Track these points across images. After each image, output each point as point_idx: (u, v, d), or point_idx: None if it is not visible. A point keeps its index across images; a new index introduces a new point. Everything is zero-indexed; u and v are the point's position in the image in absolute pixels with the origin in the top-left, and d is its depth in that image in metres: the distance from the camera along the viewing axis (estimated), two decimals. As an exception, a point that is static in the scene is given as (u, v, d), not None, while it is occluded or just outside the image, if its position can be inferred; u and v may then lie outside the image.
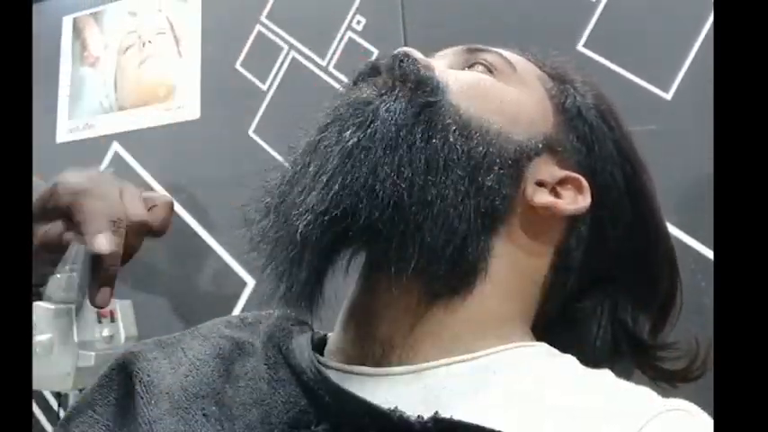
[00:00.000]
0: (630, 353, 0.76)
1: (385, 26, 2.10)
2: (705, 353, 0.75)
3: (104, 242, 0.63)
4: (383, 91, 0.70)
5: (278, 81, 2.24)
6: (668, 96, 1.73)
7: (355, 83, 0.74)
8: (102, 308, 0.66)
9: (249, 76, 2.28)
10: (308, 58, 2.21)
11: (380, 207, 0.64)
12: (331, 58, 2.17)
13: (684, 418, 0.59)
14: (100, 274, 0.64)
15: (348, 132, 0.67)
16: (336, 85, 2.08)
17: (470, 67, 0.77)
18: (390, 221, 0.65)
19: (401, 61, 0.73)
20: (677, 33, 1.74)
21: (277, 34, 2.27)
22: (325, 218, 0.64)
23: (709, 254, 1.45)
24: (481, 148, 0.68)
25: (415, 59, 0.74)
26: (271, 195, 0.71)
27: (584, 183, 0.73)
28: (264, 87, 2.25)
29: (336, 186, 0.64)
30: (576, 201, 0.72)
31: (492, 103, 0.72)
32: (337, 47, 2.17)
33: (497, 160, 0.69)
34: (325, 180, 0.65)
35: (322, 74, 2.16)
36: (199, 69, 2.36)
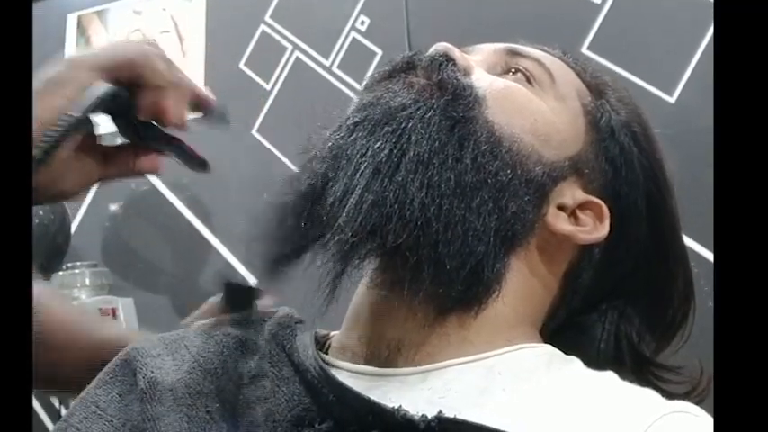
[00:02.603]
0: (632, 367, 0.75)
1: (389, 26, 2.10)
2: (708, 381, 0.74)
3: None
4: (419, 96, 0.69)
5: (282, 81, 2.24)
6: (672, 100, 1.73)
7: (390, 76, 0.73)
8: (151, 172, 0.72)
9: (253, 75, 2.29)
10: (311, 57, 2.21)
11: (408, 229, 0.63)
12: (335, 58, 2.17)
13: (688, 421, 0.59)
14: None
15: (379, 143, 0.65)
16: (340, 86, 2.09)
17: (507, 72, 0.75)
18: (413, 243, 0.64)
19: (440, 65, 0.71)
20: (682, 36, 1.74)
21: (281, 34, 2.27)
22: (354, 240, 0.64)
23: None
24: (509, 171, 0.67)
25: (455, 63, 0.72)
26: (300, 198, 0.69)
27: (605, 210, 0.71)
28: (268, 87, 2.25)
29: (366, 206, 0.63)
30: (594, 229, 0.71)
31: (526, 121, 0.70)
32: (341, 47, 2.17)
33: (523, 185, 0.67)
34: (355, 198, 0.64)
35: (326, 74, 2.16)
36: (203, 68, 2.36)
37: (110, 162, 0.71)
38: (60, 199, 0.69)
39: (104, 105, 0.65)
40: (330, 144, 0.68)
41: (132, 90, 0.67)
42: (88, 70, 0.65)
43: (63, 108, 0.63)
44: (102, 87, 0.64)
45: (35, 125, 0.62)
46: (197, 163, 0.72)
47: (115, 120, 0.68)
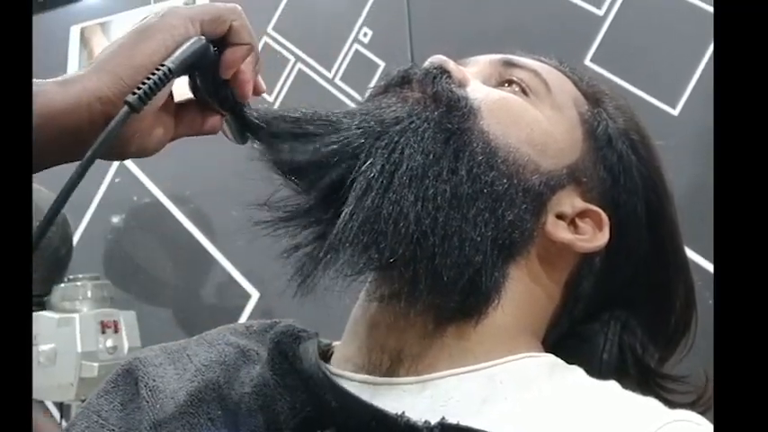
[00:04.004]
0: (637, 378, 0.75)
1: (391, 38, 2.10)
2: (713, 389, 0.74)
3: None
4: (413, 110, 0.69)
5: (284, 93, 2.24)
6: (675, 112, 1.73)
7: (385, 91, 0.73)
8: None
9: (256, 87, 2.29)
10: (314, 69, 2.21)
11: (404, 243, 0.64)
12: (337, 71, 2.17)
13: (690, 429, 0.59)
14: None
15: (371, 160, 0.65)
16: (342, 98, 2.09)
17: (503, 83, 0.75)
18: (410, 256, 0.64)
19: (435, 77, 0.71)
20: (685, 49, 1.74)
21: (284, 46, 2.28)
22: (348, 252, 0.64)
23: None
24: (505, 180, 0.67)
25: (450, 75, 0.72)
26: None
27: (605, 218, 0.71)
28: (271, 99, 2.25)
29: (356, 223, 0.64)
30: (594, 238, 0.71)
31: (522, 131, 0.70)
32: (344, 59, 2.17)
33: (520, 194, 0.68)
34: (346, 216, 0.64)
35: (328, 86, 2.16)
36: (205, 80, 2.36)
37: (179, 120, 0.70)
38: (136, 155, 0.67)
39: (198, 58, 0.64)
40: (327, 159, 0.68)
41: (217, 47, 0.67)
42: (186, 20, 0.64)
43: (159, 56, 0.62)
44: (197, 39, 0.64)
45: (125, 70, 0.61)
46: (241, 135, 0.72)
47: (199, 76, 0.67)
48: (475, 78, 0.75)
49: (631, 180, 0.74)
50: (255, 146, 0.72)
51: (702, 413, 0.61)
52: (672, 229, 0.78)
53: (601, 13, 1.85)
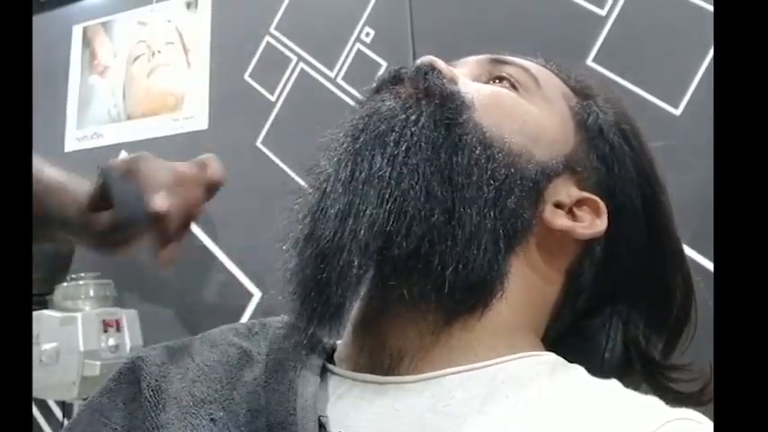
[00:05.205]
0: (642, 372, 0.75)
1: (393, 38, 2.10)
2: None
3: (161, 200, 0.75)
4: (407, 104, 0.69)
5: (286, 92, 2.24)
6: (677, 112, 1.73)
7: (377, 91, 0.73)
8: (167, 265, 0.79)
9: (258, 86, 2.29)
10: (316, 69, 2.21)
11: (415, 238, 0.64)
12: (339, 70, 2.17)
13: (692, 428, 0.59)
14: (161, 235, 0.76)
15: (380, 159, 0.66)
16: (344, 97, 2.09)
17: (493, 80, 0.77)
18: (416, 251, 0.64)
19: (426, 73, 0.72)
20: (687, 49, 1.74)
21: (286, 45, 2.28)
22: (365, 252, 0.64)
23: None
24: (503, 170, 0.68)
25: (441, 72, 0.73)
26: (302, 224, 0.68)
27: (602, 205, 0.72)
28: (273, 98, 2.25)
29: (376, 226, 0.64)
30: (593, 224, 0.71)
31: (515, 123, 0.71)
32: (346, 58, 2.17)
33: (518, 182, 0.68)
34: (366, 220, 0.64)
35: (330, 85, 2.16)
36: (207, 80, 2.36)
37: None
38: None
39: None
40: (333, 163, 0.68)
41: None
42: None
43: None
44: None
45: None
46: None
47: None
48: (465, 78, 0.76)
49: (625, 169, 0.75)
50: None
51: (709, 401, 0.61)
52: (666, 218, 0.78)
53: (603, 12, 1.85)
